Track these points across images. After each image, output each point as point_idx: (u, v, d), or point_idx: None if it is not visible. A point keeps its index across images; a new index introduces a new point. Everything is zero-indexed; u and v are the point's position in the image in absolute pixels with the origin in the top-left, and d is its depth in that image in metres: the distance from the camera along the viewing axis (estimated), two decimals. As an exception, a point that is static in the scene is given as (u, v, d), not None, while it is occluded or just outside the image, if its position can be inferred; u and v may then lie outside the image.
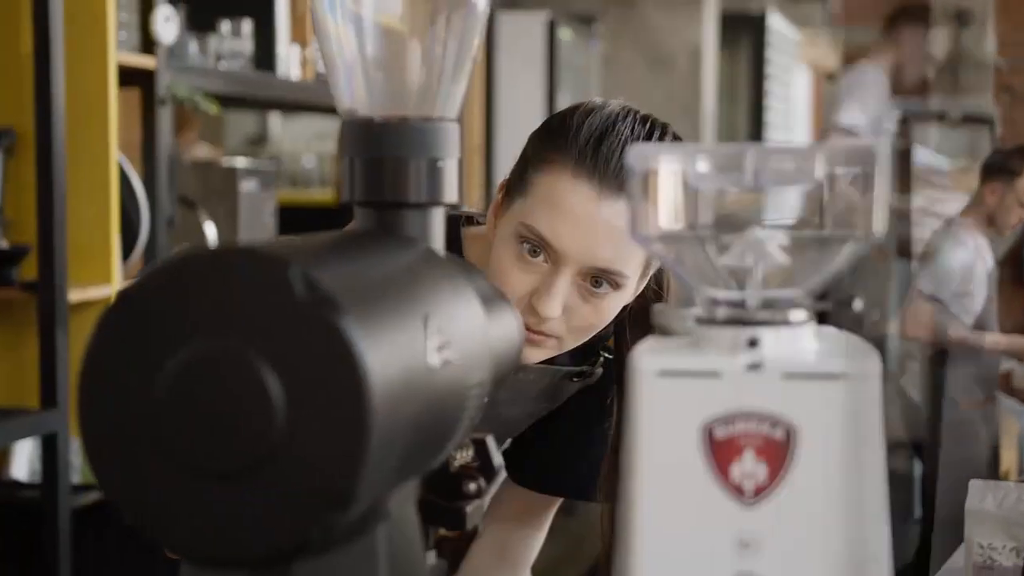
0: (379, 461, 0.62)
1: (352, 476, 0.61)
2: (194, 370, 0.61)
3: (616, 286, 1.25)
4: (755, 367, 0.68)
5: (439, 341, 0.70)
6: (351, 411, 0.60)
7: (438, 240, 0.82)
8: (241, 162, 3.18)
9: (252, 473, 0.61)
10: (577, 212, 1.22)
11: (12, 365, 2.50)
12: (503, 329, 0.85)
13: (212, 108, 2.80)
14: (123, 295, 0.63)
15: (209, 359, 0.61)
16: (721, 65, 6.63)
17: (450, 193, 0.83)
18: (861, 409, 0.68)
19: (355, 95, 0.83)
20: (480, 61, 4.67)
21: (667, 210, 0.72)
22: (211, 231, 2.94)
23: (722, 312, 0.71)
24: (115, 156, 2.53)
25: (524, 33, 5.02)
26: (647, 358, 0.69)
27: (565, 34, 4.86)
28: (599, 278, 1.25)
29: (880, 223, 0.70)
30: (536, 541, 1.52)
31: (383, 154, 0.81)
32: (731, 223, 0.74)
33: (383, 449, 0.62)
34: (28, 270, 2.43)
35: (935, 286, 4.10)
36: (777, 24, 7.47)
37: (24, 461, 2.64)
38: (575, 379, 1.42)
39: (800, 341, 0.70)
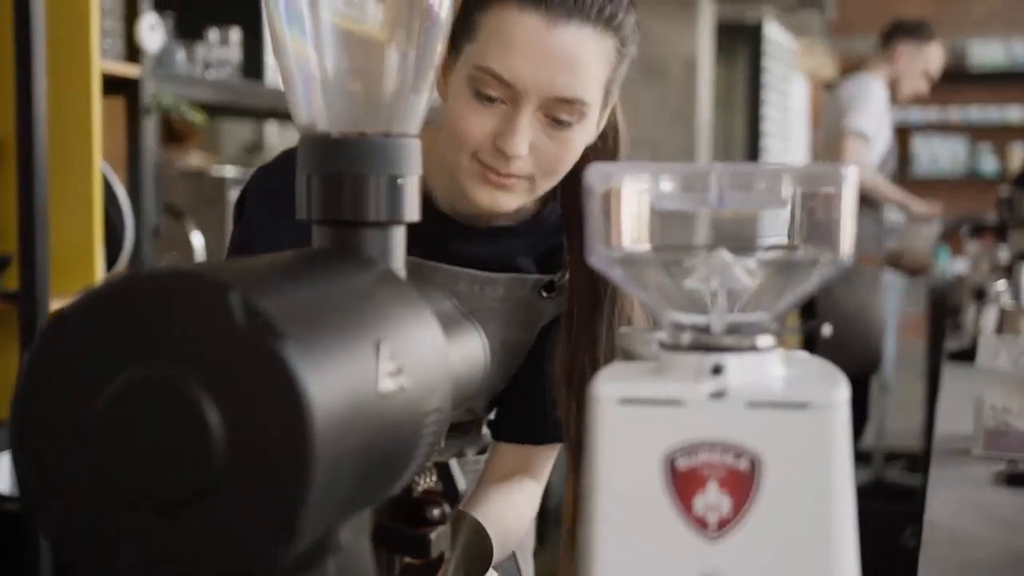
0: (324, 492, 0.60)
1: (295, 509, 0.58)
2: (131, 397, 0.59)
3: (579, 115, 1.23)
4: (719, 395, 0.66)
5: (392, 367, 0.67)
6: (292, 441, 0.58)
7: (398, 259, 0.80)
8: (231, 171, 3.16)
9: (191, 505, 0.59)
10: (529, 43, 1.20)
11: (-7, 376, 2.48)
12: (465, 350, 0.83)
13: (197, 117, 2.78)
14: (60, 317, 0.60)
15: (147, 385, 0.59)
16: (718, 74, 6.61)
17: (411, 211, 0.80)
18: (828, 439, 0.66)
19: (313, 110, 0.80)
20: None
21: (629, 231, 0.70)
22: (198, 241, 2.92)
23: (686, 337, 0.69)
24: (99, 165, 2.50)
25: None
26: (607, 385, 0.67)
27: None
28: (560, 114, 1.22)
29: (848, 247, 0.67)
30: (530, 500, 1.44)
31: (341, 170, 0.78)
32: (696, 243, 0.71)
33: (328, 480, 0.60)
34: (10, 280, 2.41)
35: (862, 123, 4.27)
36: (774, 33, 7.45)
37: (6, 473, 2.61)
38: (545, 293, 1.38)
39: (766, 368, 0.68)
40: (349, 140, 0.79)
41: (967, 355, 2.67)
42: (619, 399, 0.66)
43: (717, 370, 0.67)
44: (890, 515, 4.65)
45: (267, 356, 0.58)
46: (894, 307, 6.02)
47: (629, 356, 0.76)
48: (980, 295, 3.21)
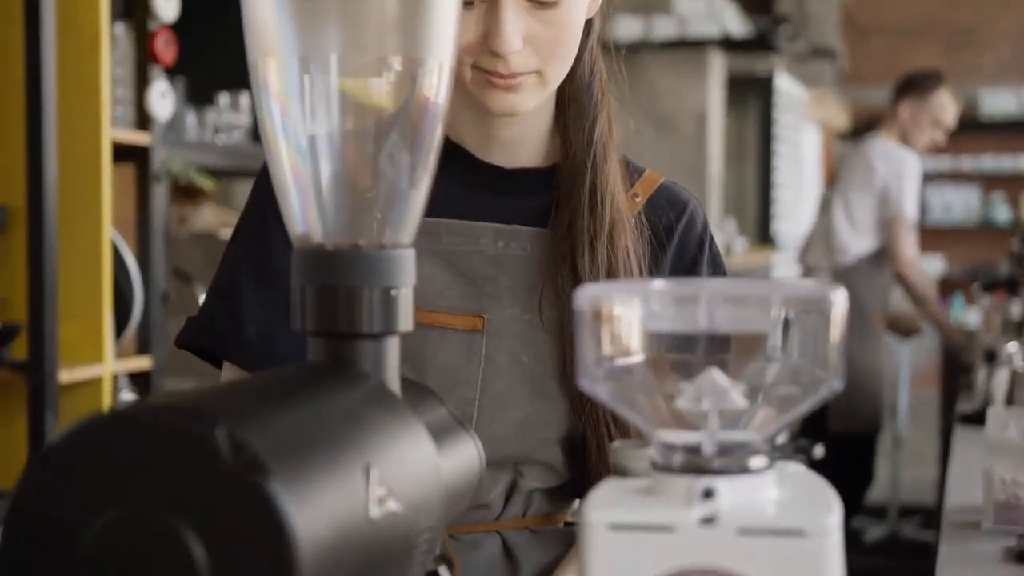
0: (312, 627, 0.60)
1: (281, 646, 0.58)
2: (117, 535, 0.59)
3: None
4: (709, 521, 0.65)
5: (382, 491, 0.67)
6: (278, 579, 0.57)
7: (392, 370, 0.80)
8: (240, 233, 3.16)
9: (177, 642, 0.58)
10: None
11: (1, 446, 2.48)
12: (458, 460, 0.83)
13: (207, 184, 2.79)
14: (46, 454, 0.60)
15: (132, 523, 0.59)
16: (729, 126, 6.63)
17: (405, 322, 0.80)
18: (822, 566, 0.65)
19: (307, 221, 0.80)
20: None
21: (618, 351, 0.70)
22: (207, 305, 2.92)
23: (677, 459, 0.68)
24: (108, 233, 2.52)
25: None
26: (598, 511, 0.66)
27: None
28: None
29: (838, 371, 0.67)
30: None
31: (335, 282, 0.78)
32: (687, 363, 0.71)
33: (316, 614, 0.60)
34: (18, 349, 2.41)
35: (914, 209, 4.29)
36: (785, 84, 7.47)
37: None
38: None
39: (759, 490, 0.67)
40: (343, 252, 0.79)
41: (979, 418, 2.66)
42: (609, 524, 0.66)
43: (708, 494, 0.66)
44: (905, 572, 4.61)
45: (254, 494, 0.57)
46: (907, 360, 6.00)
47: (621, 471, 0.75)
48: (991, 357, 3.19)
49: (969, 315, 8.85)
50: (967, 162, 9.95)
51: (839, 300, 0.67)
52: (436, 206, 1.26)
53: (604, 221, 1.23)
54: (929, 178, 10.02)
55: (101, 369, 2.53)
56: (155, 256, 2.70)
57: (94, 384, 2.53)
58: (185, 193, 3.40)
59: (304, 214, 0.81)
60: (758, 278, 0.70)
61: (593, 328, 0.69)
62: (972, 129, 9.86)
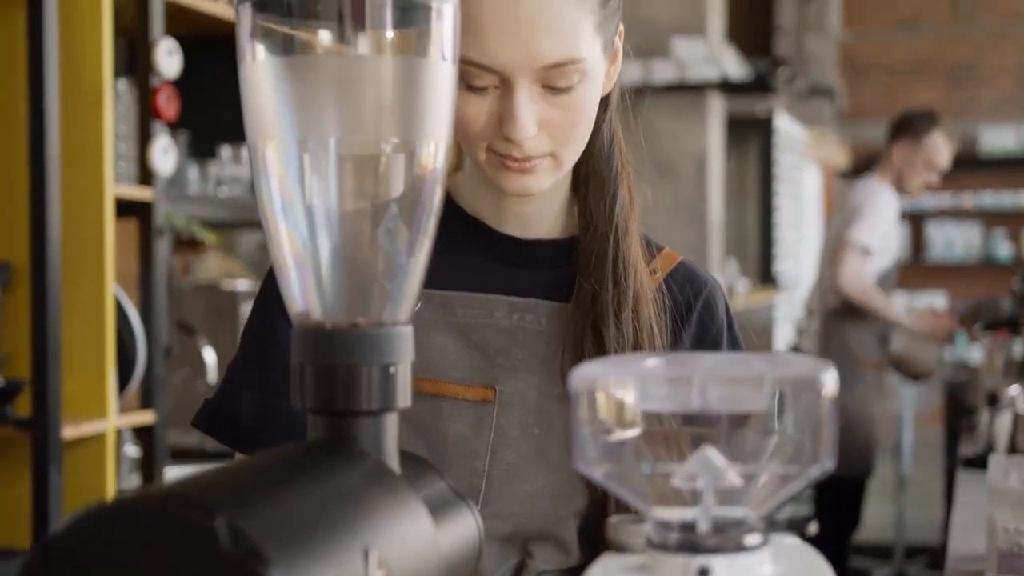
0: None
1: None
2: (118, 624, 0.60)
3: (579, 74, 1.14)
4: (705, 601, 0.66)
5: (381, 573, 0.68)
6: (278, 668, 0.58)
7: (391, 446, 0.81)
8: (243, 285, 3.18)
9: None
10: (496, 20, 1.11)
11: (5, 504, 2.48)
12: (457, 534, 0.83)
13: (209, 238, 2.81)
14: (47, 544, 0.61)
15: (133, 613, 0.60)
16: (729, 166, 6.66)
17: (403, 398, 0.81)
18: (816, 644, 0.66)
19: (307, 299, 0.82)
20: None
21: (613, 430, 0.70)
22: (210, 357, 2.93)
23: (673, 537, 0.69)
24: (111, 289, 2.53)
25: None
26: (594, 591, 0.67)
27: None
28: (557, 81, 1.14)
29: (830, 451, 0.68)
30: None
31: (335, 361, 0.79)
32: (681, 441, 0.72)
33: None
34: (22, 406, 2.42)
35: (865, 236, 4.26)
36: (784, 124, 7.51)
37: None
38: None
39: (754, 568, 0.68)
40: (341, 331, 0.80)
41: (982, 462, 2.65)
42: (606, 605, 0.67)
43: (704, 573, 0.67)
44: (912, 613, 4.59)
45: (253, 584, 0.58)
46: (911, 399, 6.00)
47: (618, 547, 0.76)
48: (993, 400, 3.19)
49: (972, 352, 8.86)
50: (968, 199, 9.97)
51: (829, 381, 0.68)
52: (453, 279, 1.27)
53: (629, 294, 1.22)
54: (930, 215, 10.05)
55: (104, 424, 2.54)
56: (158, 310, 2.71)
57: (98, 439, 2.54)
58: (189, 242, 3.42)
59: (303, 292, 0.82)
60: (755, 353, 0.70)
61: (589, 408, 0.70)
62: (972, 166, 9.89)
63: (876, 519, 6.62)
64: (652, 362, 0.73)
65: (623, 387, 0.70)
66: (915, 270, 10.15)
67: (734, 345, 1.29)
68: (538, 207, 1.29)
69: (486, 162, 1.19)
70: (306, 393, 0.80)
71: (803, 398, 0.68)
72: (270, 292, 1.28)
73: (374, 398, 0.79)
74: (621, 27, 1.24)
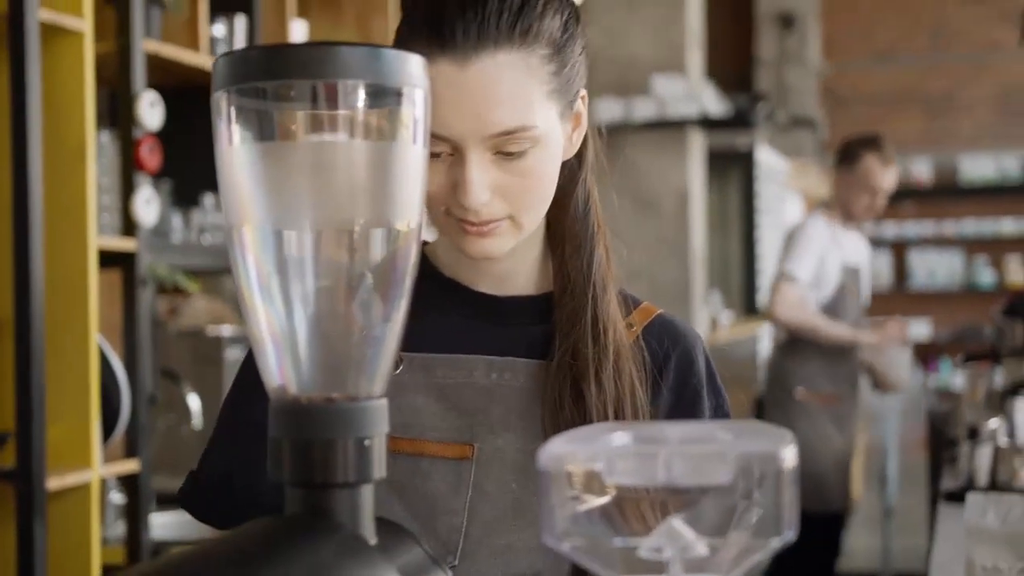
0: None
1: None
2: None
3: (531, 141, 1.16)
4: (671, 673, 0.68)
5: (356, 648, 0.70)
6: None
7: (366, 517, 0.83)
8: (227, 330, 3.20)
9: None
10: (446, 91, 1.13)
11: (-10, 555, 2.49)
12: (434, 602, 0.85)
13: (191, 287, 2.83)
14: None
15: None
16: (711, 199, 6.70)
17: (379, 469, 0.83)
18: None
19: (283, 375, 0.84)
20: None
21: (580, 504, 0.73)
22: (195, 404, 2.94)
23: (641, 607, 0.71)
24: (95, 341, 2.54)
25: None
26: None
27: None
28: (508, 147, 1.15)
29: (792, 522, 0.70)
30: None
31: (311, 436, 0.82)
32: (649, 513, 0.74)
33: None
34: (6, 458, 2.43)
35: (793, 266, 4.26)
36: (766, 157, 7.56)
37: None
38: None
39: (720, 639, 0.70)
40: (317, 406, 0.82)
41: (963, 495, 2.67)
42: (576, 677, 0.69)
43: (671, 643, 0.69)
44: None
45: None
46: (895, 428, 6.03)
47: (591, 616, 0.78)
48: (973, 433, 3.22)
49: (956, 379, 8.90)
50: (949, 227, 10.04)
51: (789, 455, 0.70)
52: (433, 340, 1.28)
53: (609, 352, 1.23)
54: (913, 243, 10.12)
55: (89, 474, 2.54)
56: (142, 359, 2.73)
57: (83, 489, 2.55)
58: (175, 285, 3.44)
59: (279, 368, 0.84)
60: (721, 423, 0.72)
61: (557, 483, 0.72)
62: (953, 194, 9.97)
63: (862, 548, 6.64)
64: (619, 436, 0.75)
65: (591, 463, 0.72)
66: (898, 298, 10.21)
67: (716, 395, 1.31)
68: (513, 265, 1.31)
69: (447, 227, 1.21)
70: (284, 466, 0.82)
71: (764, 472, 0.71)
72: (249, 370, 1.29)
73: (350, 471, 0.81)
74: (583, 92, 1.24)
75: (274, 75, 0.80)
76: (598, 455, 0.73)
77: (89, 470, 2.53)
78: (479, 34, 1.13)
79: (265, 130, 0.81)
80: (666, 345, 1.31)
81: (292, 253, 0.82)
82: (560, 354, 1.26)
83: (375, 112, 0.82)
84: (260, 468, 1.23)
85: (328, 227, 0.82)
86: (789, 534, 0.71)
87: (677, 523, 0.72)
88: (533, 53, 1.16)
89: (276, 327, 0.84)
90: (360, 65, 0.80)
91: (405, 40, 1.17)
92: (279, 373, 0.84)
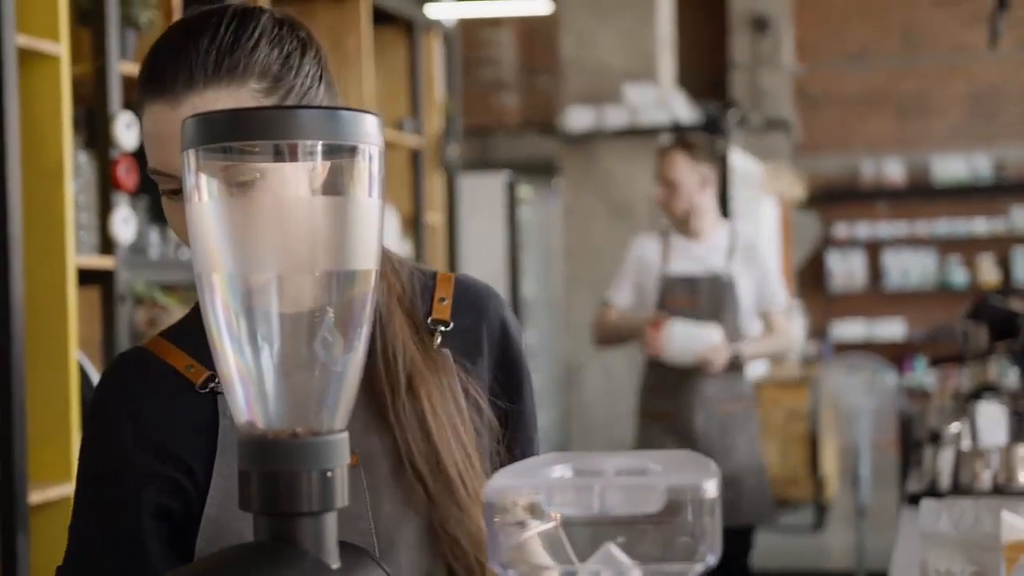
0: None
1: None
2: None
3: (260, 173, 1.13)
4: None
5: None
6: None
7: (330, 543, 0.89)
8: (204, 342, 3.25)
9: None
10: (164, 130, 1.19)
11: (-27, 570, 2.53)
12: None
13: (169, 302, 2.89)
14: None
15: None
16: (685, 204, 6.76)
17: (341, 498, 0.90)
18: None
19: (251, 411, 0.90)
20: (444, 223, 4.78)
21: (523, 534, 0.79)
22: (173, 416, 2.99)
23: (579, 627, 0.78)
24: (74, 356, 2.60)
25: (485, 192, 5.16)
26: None
27: (525, 191, 4.99)
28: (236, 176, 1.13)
29: (716, 550, 0.77)
30: None
31: (277, 468, 0.88)
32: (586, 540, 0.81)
33: None
34: (-12, 473, 2.48)
35: (613, 292, 4.14)
36: (739, 161, 7.63)
37: None
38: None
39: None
40: (283, 441, 0.88)
41: (925, 498, 2.74)
42: None
43: (605, 660, 0.76)
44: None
45: None
46: (867, 427, 6.11)
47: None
48: (936, 438, 3.28)
49: (928, 379, 9.00)
50: (922, 227, 10.16)
51: (710, 488, 0.77)
52: None
53: (401, 378, 1.28)
54: (887, 243, 10.22)
55: (70, 488, 2.60)
56: (121, 373, 2.78)
57: (64, 503, 2.60)
58: (154, 300, 3.48)
59: (247, 404, 0.90)
60: (650, 455, 0.78)
61: (501, 515, 0.79)
62: (926, 195, 10.09)
63: (836, 547, 6.73)
64: (558, 470, 0.82)
65: (532, 495, 0.79)
66: (873, 298, 10.32)
67: (515, 344, 1.38)
68: None
69: None
70: (252, 497, 0.89)
71: (690, 501, 0.78)
72: (104, 438, 1.28)
73: (314, 500, 0.88)
74: None
75: (239, 136, 0.87)
76: (539, 487, 0.79)
77: (70, 483, 2.59)
78: (188, 75, 1.19)
79: (231, 186, 0.87)
80: (475, 306, 1.36)
81: (257, 297, 0.89)
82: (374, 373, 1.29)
83: (332, 168, 0.89)
84: (135, 548, 1.25)
85: (291, 273, 0.89)
86: (711, 558, 0.78)
87: (613, 548, 0.79)
88: (244, 87, 1.20)
89: (244, 366, 0.90)
90: (318, 126, 0.87)
91: (137, 95, 1.23)
92: (247, 410, 0.91)
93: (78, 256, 2.65)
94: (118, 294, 2.75)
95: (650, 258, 4.19)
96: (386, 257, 1.33)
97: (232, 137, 0.87)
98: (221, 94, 1.20)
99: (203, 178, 0.89)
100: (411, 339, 1.31)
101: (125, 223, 2.76)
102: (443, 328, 1.33)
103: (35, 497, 2.49)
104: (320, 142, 0.87)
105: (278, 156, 0.89)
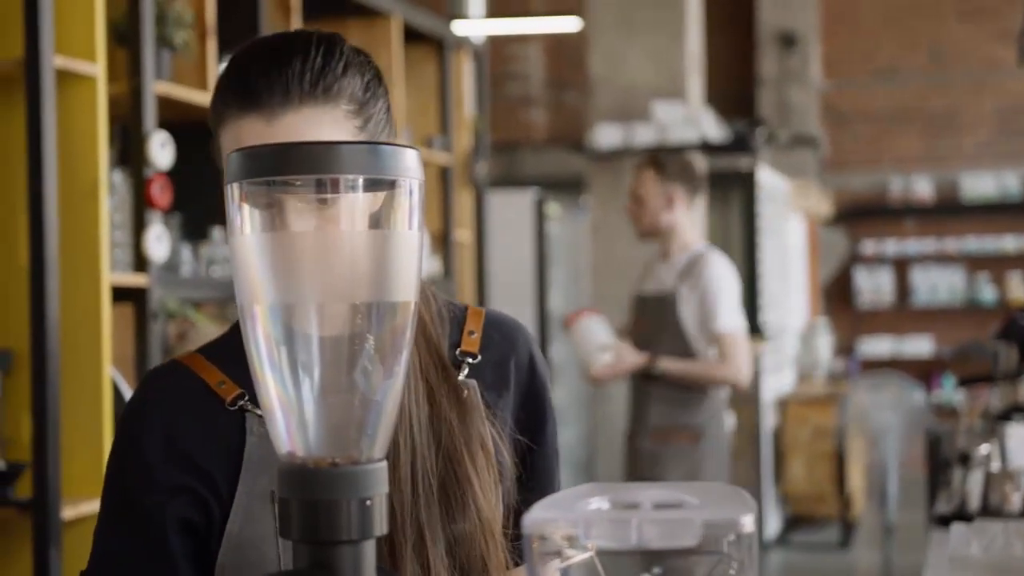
0: None
1: None
2: None
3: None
4: None
5: None
6: None
7: (369, 571, 0.90)
8: (234, 358, 3.27)
9: None
10: (252, 144, 1.13)
11: (7, 584, 2.56)
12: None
13: (201, 320, 2.91)
14: None
15: None
16: (712, 220, 6.77)
17: (380, 527, 0.91)
18: None
19: (292, 442, 0.92)
20: (472, 239, 4.80)
21: (561, 565, 0.80)
22: (204, 432, 3.01)
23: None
24: (108, 374, 2.62)
25: (513, 209, 5.17)
26: None
27: (553, 209, 5.00)
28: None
29: (751, 581, 0.78)
30: None
31: (317, 497, 0.89)
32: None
33: None
34: (23, 488, 2.51)
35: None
36: (767, 178, 7.63)
37: None
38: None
39: None
40: (323, 470, 0.90)
41: (955, 520, 2.73)
42: None
43: None
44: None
45: None
46: (895, 446, 6.09)
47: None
48: (965, 459, 3.27)
49: (957, 396, 8.95)
50: (951, 244, 10.11)
51: (748, 523, 0.78)
52: None
53: (422, 397, 1.29)
54: (915, 260, 10.18)
55: (103, 503, 2.62)
56: (153, 390, 2.81)
57: (96, 519, 2.62)
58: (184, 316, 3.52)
59: (288, 435, 0.92)
60: (686, 487, 0.78)
61: (540, 547, 0.80)
62: (955, 212, 10.04)
63: (864, 565, 6.70)
64: (595, 502, 0.83)
65: (570, 528, 0.80)
66: (901, 315, 10.27)
67: (542, 380, 1.39)
68: None
69: None
70: (292, 525, 0.90)
71: (728, 536, 0.78)
72: (135, 446, 1.29)
73: (353, 529, 0.89)
74: None
75: (281, 171, 0.88)
76: (576, 521, 0.80)
77: (102, 500, 2.61)
78: (284, 91, 1.20)
79: (274, 220, 0.88)
80: (504, 342, 1.37)
81: (299, 329, 0.90)
82: None
83: (373, 202, 0.90)
84: (158, 559, 1.26)
85: (331, 305, 0.90)
86: (750, 592, 0.79)
87: (650, 582, 0.80)
88: (337, 108, 1.23)
89: (285, 396, 0.92)
90: (360, 160, 0.88)
91: (218, 103, 1.24)
92: (288, 440, 0.92)
93: (112, 274, 2.68)
94: (151, 311, 2.78)
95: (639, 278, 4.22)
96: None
97: (277, 172, 0.88)
98: (317, 111, 1.22)
99: (246, 211, 0.91)
100: (431, 368, 1.31)
101: (158, 241, 2.79)
102: (471, 360, 1.34)
103: (68, 512, 2.52)
104: (362, 176, 0.89)
105: (320, 190, 0.90)
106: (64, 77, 2.59)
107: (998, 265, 10.06)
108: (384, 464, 0.92)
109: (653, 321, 4.09)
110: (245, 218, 0.89)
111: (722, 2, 9.31)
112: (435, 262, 4.42)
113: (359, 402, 0.92)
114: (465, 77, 4.77)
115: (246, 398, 1.28)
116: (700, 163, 4.79)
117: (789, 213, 8.57)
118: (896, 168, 10.23)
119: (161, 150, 2.79)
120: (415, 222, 0.91)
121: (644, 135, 5.44)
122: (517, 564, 1.29)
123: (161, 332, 2.81)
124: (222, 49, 3.17)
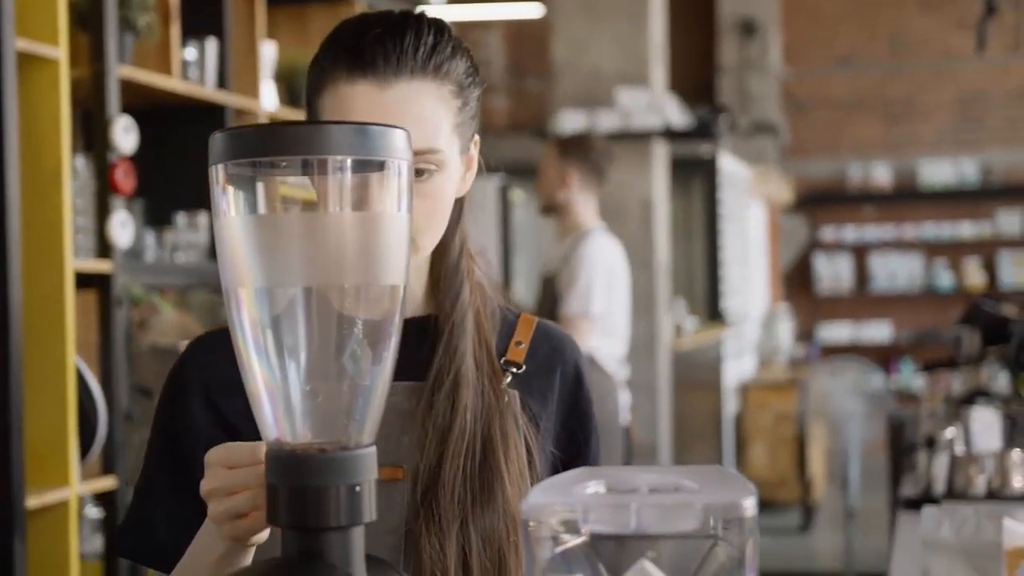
0: None
1: None
2: None
3: (437, 164, 1.23)
4: None
5: None
6: None
7: (357, 557, 0.89)
8: (198, 345, 3.23)
9: None
10: (365, 108, 1.21)
11: (-30, 575, 2.52)
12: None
13: (166, 307, 2.88)
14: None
15: None
16: (674, 207, 6.78)
17: (369, 513, 0.90)
18: None
19: (279, 428, 0.90)
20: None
21: (558, 550, 0.79)
22: (169, 420, 2.98)
23: (612, 645, 0.78)
24: (72, 362, 2.59)
25: (477, 195, 5.12)
26: None
27: (517, 196, 4.99)
28: (416, 165, 1.19)
29: (754, 569, 0.77)
30: None
31: (305, 483, 0.88)
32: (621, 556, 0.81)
33: None
34: (-15, 478, 2.47)
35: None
36: (728, 164, 7.65)
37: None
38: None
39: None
40: (311, 456, 0.88)
41: (921, 503, 2.74)
42: None
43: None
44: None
45: None
46: (856, 431, 6.12)
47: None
48: (931, 443, 3.29)
49: (916, 381, 9.02)
50: (909, 231, 10.18)
51: (750, 505, 0.77)
52: None
53: (446, 379, 1.28)
54: (873, 246, 10.25)
55: (67, 492, 2.59)
56: (118, 378, 2.77)
57: (60, 508, 2.59)
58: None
59: (275, 421, 0.90)
60: (686, 470, 0.78)
61: (537, 532, 0.79)
62: (912, 199, 10.11)
63: (825, 548, 6.75)
64: (592, 486, 0.82)
65: (568, 512, 0.79)
66: (860, 301, 10.34)
67: (586, 401, 1.39)
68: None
69: None
70: (280, 511, 0.89)
71: (727, 520, 0.78)
72: (169, 399, 1.31)
73: (342, 515, 0.88)
74: (477, 137, 1.33)
75: (267, 151, 0.86)
76: (574, 505, 0.79)
77: (67, 488, 2.58)
78: (398, 61, 1.22)
79: (259, 201, 0.87)
80: (552, 354, 1.37)
81: (285, 313, 0.89)
82: (436, 375, 1.29)
83: (361, 183, 0.89)
84: (196, 500, 1.25)
85: (318, 289, 0.89)
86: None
87: (647, 564, 0.79)
88: (443, 86, 1.25)
89: (272, 381, 0.90)
90: (347, 141, 0.87)
91: (324, 68, 1.25)
92: (275, 426, 0.91)
93: (76, 260, 2.64)
94: (115, 298, 2.74)
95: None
96: (479, 289, 1.34)
97: (263, 152, 0.87)
98: (428, 86, 1.23)
99: (230, 193, 0.89)
100: (484, 364, 1.31)
101: (122, 227, 2.75)
102: (514, 370, 1.33)
103: (32, 502, 2.48)
104: (349, 157, 0.87)
105: (306, 171, 0.89)
106: (26, 60, 2.55)
107: (955, 251, 10.14)
108: (373, 450, 0.91)
109: (545, 301, 4.11)
110: (229, 199, 0.88)
111: (684, -11, 9.31)
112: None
113: (347, 387, 0.91)
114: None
115: None
116: (605, 149, 4.64)
117: (750, 200, 8.61)
118: (855, 155, 10.29)
119: (125, 135, 2.76)
120: (404, 204, 0.90)
121: (607, 121, 5.43)
122: None
123: (126, 318, 2.78)
124: (185, 33, 3.13)
